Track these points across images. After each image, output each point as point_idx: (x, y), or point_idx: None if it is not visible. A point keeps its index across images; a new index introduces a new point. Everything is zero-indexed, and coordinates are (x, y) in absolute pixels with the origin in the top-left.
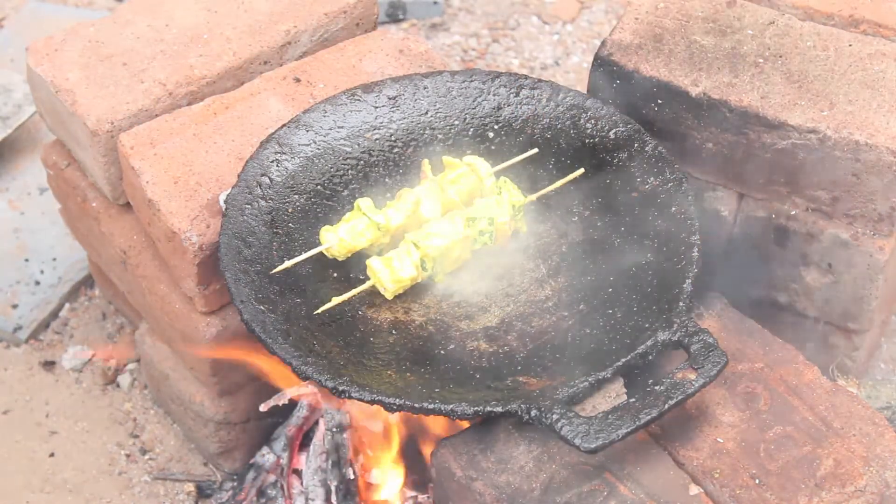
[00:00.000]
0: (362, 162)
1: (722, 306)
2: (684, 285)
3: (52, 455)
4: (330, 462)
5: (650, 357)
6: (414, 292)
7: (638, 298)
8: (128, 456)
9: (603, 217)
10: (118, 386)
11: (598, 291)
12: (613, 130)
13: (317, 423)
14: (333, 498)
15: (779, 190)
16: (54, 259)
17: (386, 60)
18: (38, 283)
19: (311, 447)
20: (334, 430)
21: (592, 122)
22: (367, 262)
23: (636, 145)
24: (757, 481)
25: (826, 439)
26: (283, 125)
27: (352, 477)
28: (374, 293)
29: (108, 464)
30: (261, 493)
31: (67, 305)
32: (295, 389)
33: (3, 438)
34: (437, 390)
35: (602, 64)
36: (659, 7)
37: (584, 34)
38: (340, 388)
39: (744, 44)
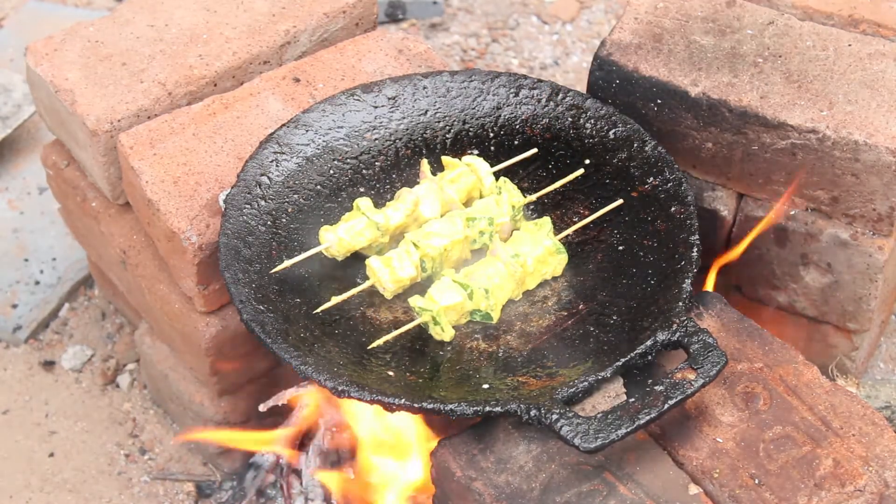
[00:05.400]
0: (362, 162)
1: (721, 306)
2: (684, 285)
3: (51, 455)
4: (329, 462)
5: (650, 357)
6: (413, 292)
7: (638, 298)
8: (127, 456)
9: (603, 217)
10: (118, 386)
11: (597, 291)
12: (613, 130)
13: (317, 423)
14: (333, 498)
15: (779, 190)
16: (54, 259)
17: (385, 60)
18: (37, 283)
19: (311, 447)
20: (334, 430)
21: (592, 122)
22: (367, 261)
23: (636, 145)
24: (756, 481)
25: (825, 439)
26: (283, 125)
27: (351, 477)
28: (373, 293)
29: (107, 464)
30: (260, 493)
31: (67, 305)
32: (294, 390)
33: (2, 438)
34: (436, 390)
35: (601, 64)
36: (658, 7)
37: (584, 34)
38: (340, 388)
39: (743, 44)
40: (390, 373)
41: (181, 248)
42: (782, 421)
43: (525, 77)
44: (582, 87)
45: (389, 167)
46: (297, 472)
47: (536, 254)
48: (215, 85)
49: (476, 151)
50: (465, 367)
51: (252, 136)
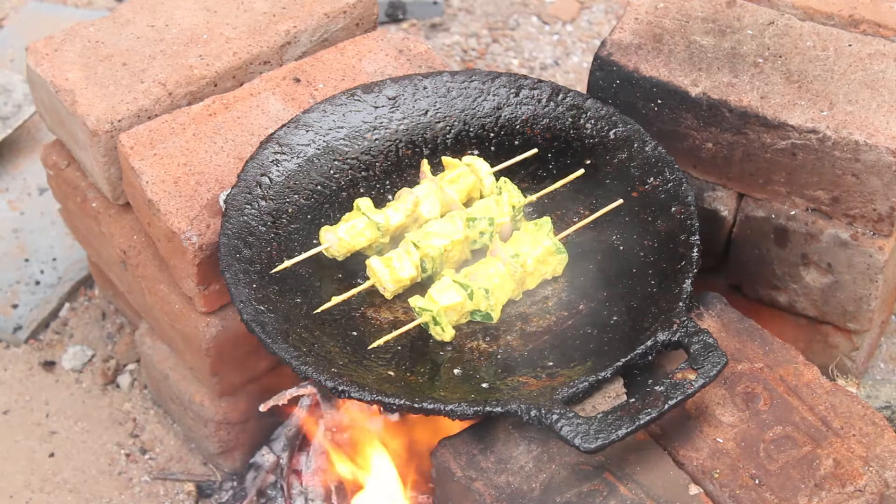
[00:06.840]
0: (362, 162)
1: (722, 306)
2: (684, 285)
3: (52, 455)
4: (330, 462)
5: (650, 357)
6: (414, 292)
7: (638, 298)
8: (128, 456)
9: (603, 217)
10: (118, 386)
11: (597, 291)
12: (613, 130)
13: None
14: (333, 498)
15: (779, 190)
16: (54, 259)
17: (386, 61)
18: (38, 283)
19: (312, 447)
20: (334, 430)
21: (592, 122)
22: (367, 261)
23: (636, 145)
24: (757, 481)
25: (826, 439)
26: (283, 125)
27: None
28: (374, 293)
29: (107, 464)
30: (261, 493)
31: (67, 305)
32: (294, 389)
33: (3, 438)
34: (436, 390)
35: (602, 64)
36: (659, 7)
37: (584, 34)
38: (340, 388)
39: (743, 44)
40: (390, 373)
41: (181, 249)
42: (782, 421)
43: (525, 77)
44: (582, 88)
45: (390, 167)
46: (298, 472)
47: (536, 254)
48: (215, 85)
49: (476, 151)
50: (465, 367)
51: (252, 136)
